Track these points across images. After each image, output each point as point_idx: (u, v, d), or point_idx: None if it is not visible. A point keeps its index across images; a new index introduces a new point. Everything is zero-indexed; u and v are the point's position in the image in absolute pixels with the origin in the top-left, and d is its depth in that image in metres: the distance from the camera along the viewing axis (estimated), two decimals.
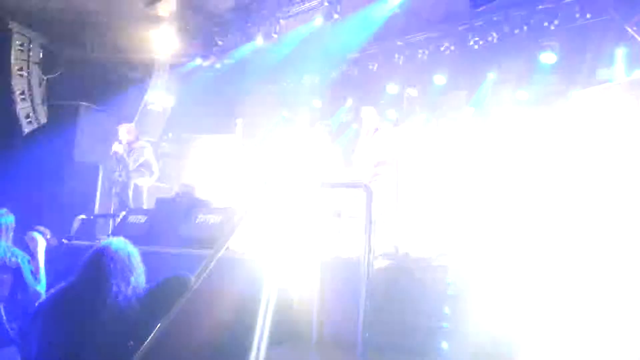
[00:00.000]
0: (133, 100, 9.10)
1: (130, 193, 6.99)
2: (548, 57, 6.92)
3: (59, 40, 8.72)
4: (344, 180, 6.39)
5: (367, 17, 7.57)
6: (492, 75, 7.71)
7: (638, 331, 3.29)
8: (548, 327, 3.47)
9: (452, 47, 7.84)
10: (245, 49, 8.69)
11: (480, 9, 5.57)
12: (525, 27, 7.05)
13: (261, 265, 3.58)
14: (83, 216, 6.62)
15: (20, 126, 8.16)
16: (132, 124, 7.52)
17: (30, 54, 8.27)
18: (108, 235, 5.80)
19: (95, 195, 8.14)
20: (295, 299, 3.96)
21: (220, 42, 8.72)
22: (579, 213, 5.14)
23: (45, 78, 8.65)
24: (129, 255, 2.85)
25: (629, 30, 6.08)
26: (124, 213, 6.35)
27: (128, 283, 2.77)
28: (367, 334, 2.84)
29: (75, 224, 6.41)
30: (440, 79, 8.05)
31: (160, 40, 8.61)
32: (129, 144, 7.07)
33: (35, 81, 8.39)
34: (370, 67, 8.83)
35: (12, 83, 8.05)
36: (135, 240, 2.99)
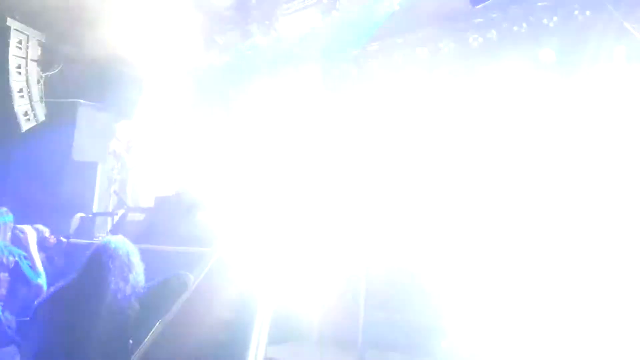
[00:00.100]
0: (132, 97, 9.09)
1: (129, 191, 6.99)
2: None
3: (57, 38, 8.68)
4: None
5: (366, 15, 7.56)
6: None
7: (638, 331, 3.30)
8: (548, 327, 3.47)
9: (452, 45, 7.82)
10: (244, 47, 8.66)
11: (480, 6, 5.55)
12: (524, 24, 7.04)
13: (261, 265, 3.58)
14: (82, 214, 6.62)
15: (18, 124, 8.12)
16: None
17: (29, 51, 8.23)
18: (107, 234, 5.80)
19: (93, 193, 8.13)
20: (296, 298, 3.96)
21: (219, 40, 8.70)
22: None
23: (43, 75, 8.62)
24: (128, 254, 2.85)
25: (628, 27, 6.08)
26: (122, 211, 6.34)
27: (127, 281, 2.77)
28: (367, 334, 2.84)
29: (74, 222, 6.40)
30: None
31: (159, 38, 8.58)
32: (128, 141, 7.06)
33: (33, 79, 8.35)
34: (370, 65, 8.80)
35: (10, 80, 8.02)
36: (134, 239, 2.99)
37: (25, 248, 4.19)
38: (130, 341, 2.59)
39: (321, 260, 4.13)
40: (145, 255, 2.93)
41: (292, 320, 3.84)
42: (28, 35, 8.23)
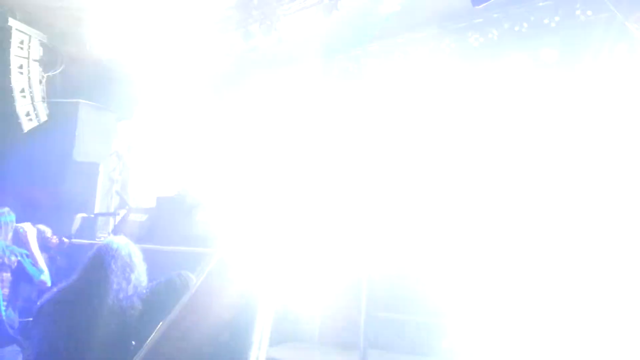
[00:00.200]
0: (133, 98, 9.10)
1: (131, 191, 7.00)
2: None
3: (59, 38, 8.70)
4: None
5: (367, 15, 7.55)
6: None
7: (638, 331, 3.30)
8: (549, 327, 3.47)
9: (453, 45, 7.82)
10: (245, 47, 8.66)
11: (482, 5, 5.55)
12: (525, 24, 7.04)
13: (262, 265, 3.58)
14: (83, 214, 6.62)
15: (20, 124, 8.14)
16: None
17: (30, 51, 8.25)
18: (109, 234, 5.81)
19: (95, 194, 8.14)
20: (297, 298, 3.97)
21: (220, 40, 8.70)
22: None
23: (45, 76, 8.63)
24: (130, 254, 2.86)
25: (629, 27, 6.07)
26: (124, 211, 6.35)
27: (129, 282, 2.78)
28: (368, 334, 2.84)
29: (76, 223, 6.41)
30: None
31: (160, 38, 8.59)
32: (130, 142, 7.07)
33: (35, 79, 8.36)
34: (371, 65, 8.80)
35: (12, 81, 8.03)
36: (135, 239, 3.00)
37: (26, 245, 4.20)
38: (133, 342, 2.60)
39: (323, 260, 4.13)
40: (147, 255, 2.94)
41: (293, 320, 3.85)
42: (30, 36, 8.24)
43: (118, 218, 6.37)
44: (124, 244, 2.89)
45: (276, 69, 9.27)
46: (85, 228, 6.35)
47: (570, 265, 3.99)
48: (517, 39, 7.24)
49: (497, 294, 3.65)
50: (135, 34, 8.07)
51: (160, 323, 2.57)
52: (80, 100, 8.57)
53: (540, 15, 6.95)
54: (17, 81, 8.10)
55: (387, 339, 3.41)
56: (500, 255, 4.57)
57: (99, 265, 2.78)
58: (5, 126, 8.18)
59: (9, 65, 7.97)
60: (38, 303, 2.91)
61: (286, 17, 7.86)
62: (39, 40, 8.44)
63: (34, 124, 8.39)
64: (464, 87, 7.79)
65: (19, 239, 4.23)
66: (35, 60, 8.40)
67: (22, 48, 8.13)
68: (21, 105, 8.17)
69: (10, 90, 8.01)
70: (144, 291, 2.81)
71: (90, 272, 2.81)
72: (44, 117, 8.51)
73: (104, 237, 5.84)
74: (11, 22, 7.94)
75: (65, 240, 5.57)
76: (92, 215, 6.95)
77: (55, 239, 5.35)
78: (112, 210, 7.11)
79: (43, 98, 8.53)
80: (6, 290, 3.94)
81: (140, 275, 2.86)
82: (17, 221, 4.31)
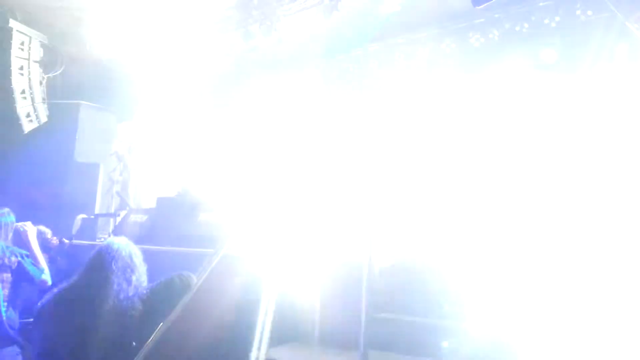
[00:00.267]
0: (134, 99, 9.10)
1: (131, 192, 7.00)
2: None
3: (60, 39, 8.70)
4: None
5: (368, 15, 7.55)
6: None
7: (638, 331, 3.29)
8: (548, 327, 3.47)
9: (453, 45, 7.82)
10: (246, 46, 8.66)
11: (482, 6, 5.55)
12: (526, 24, 7.04)
13: (262, 265, 3.58)
14: (84, 215, 6.62)
15: (20, 125, 8.15)
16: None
17: (31, 52, 8.26)
18: (109, 235, 5.81)
19: (95, 194, 8.14)
20: (297, 298, 3.97)
21: (221, 40, 8.70)
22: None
23: (45, 77, 8.64)
24: (130, 255, 2.86)
25: (630, 27, 6.07)
26: (125, 212, 6.35)
27: (130, 282, 2.77)
28: (368, 335, 2.84)
29: (76, 224, 6.41)
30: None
31: (161, 39, 8.60)
32: (130, 142, 7.07)
33: (35, 80, 8.37)
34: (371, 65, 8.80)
35: (13, 82, 8.04)
36: (136, 240, 3.00)
37: (26, 244, 4.20)
38: (134, 343, 2.60)
39: (323, 260, 4.13)
40: (147, 256, 2.94)
41: (293, 320, 3.85)
42: (30, 37, 8.25)
43: (118, 219, 6.37)
44: (124, 245, 2.89)
45: (276, 70, 9.27)
46: (86, 229, 6.35)
47: (572, 264, 3.99)
48: (518, 39, 7.24)
49: (498, 294, 3.64)
50: (136, 34, 8.07)
51: (161, 324, 2.57)
52: (80, 102, 8.57)
53: (540, 15, 6.95)
54: (17, 82, 8.11)
55: (387, 339, 3.40)
56: (501, 255, 4.57)
57: (99, 266, 2.78)
58: (6, 127, 8.18)
59: (10, 66, 7.97)
60: (39, 304, 2.91)
61: (286, 17, 7.86)
62: (40, 41, 8.45)
63: (35, 125, 8.40)
64: (464, 88, 7.79)
65: (19, 239, 4.23)
66: (36, 62, 8.40)
67: (22, 49, 8.13)
68: (22, 107, 8.17)
69: (11, 91, 8.02)
70: (145, 292, 2.81)
71: (90, 273, 2.81)
72: (44, 118, 8.52)
73: (104, 238, 5.84)
74: (12, 23, 7.94)
75: (66, 241, 5.57)
76: (93, 216, 6.96)
77: (55, 240, 5.35)
78: (112, 211, 7.12)
79: (43, 99, 8.54)
80: (6, 291, 3.94)
81: (140, 275, 2.86)
82: (18, 222, 4.30)
